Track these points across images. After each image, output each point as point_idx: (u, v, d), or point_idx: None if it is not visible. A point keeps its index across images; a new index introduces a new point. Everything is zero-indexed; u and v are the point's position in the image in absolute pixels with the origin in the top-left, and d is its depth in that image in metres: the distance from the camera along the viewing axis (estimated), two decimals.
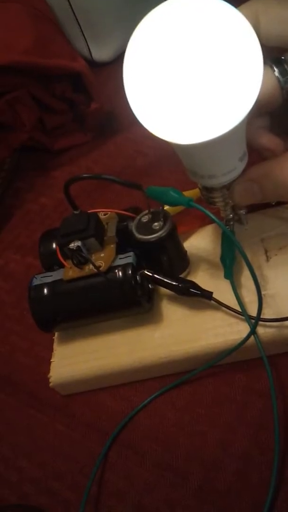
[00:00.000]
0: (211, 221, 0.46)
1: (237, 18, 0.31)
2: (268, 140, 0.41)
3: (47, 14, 0.76)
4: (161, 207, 0.43)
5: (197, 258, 0.46)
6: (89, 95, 0.69)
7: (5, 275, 0.59)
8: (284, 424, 0.37)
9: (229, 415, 0.39)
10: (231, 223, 0.44)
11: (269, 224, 0.45)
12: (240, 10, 0.36)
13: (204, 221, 0.48)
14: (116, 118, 0.71)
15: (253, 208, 0.45)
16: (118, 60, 0.81)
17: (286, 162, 0.37)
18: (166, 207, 0.44)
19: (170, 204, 0.40)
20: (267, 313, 0.40)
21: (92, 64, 0.82)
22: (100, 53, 0.84)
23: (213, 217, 0.37)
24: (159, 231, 0.41)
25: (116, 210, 0.45)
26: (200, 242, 0.47)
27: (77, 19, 0.82)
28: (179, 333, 0.42)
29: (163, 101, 0.32)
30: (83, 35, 0.83)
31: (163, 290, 0.44)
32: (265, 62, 0.35)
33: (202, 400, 0.41)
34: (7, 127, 0.68)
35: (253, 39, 0.31)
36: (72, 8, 0.81)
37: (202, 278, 0.44)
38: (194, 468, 0.38)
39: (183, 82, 0.31)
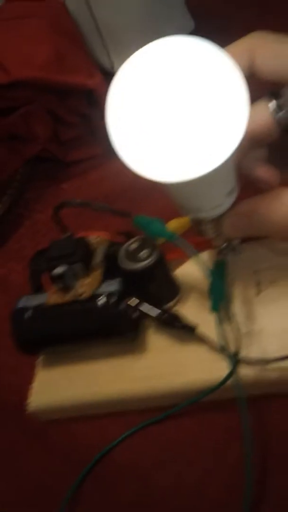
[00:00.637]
0: (207, 248, 0.43)
1: (222, 59, 0.29)
2: (263, 172, 0.38)
3: (70, 28, 0.74)
4: None
5: (189, 286, 0.43)
6: (101, 109, 0.66)
7: (5, 286, 0.57)
8: (259, 469, 0.34)
9: (207, 456, 0.36)
10: (225, 253, 0.41)
11: (263, 256, 0.42)
12: (236, 45, 0.35)
13: (199, 247, 0.45)
14: None
15: (248, 238, 0.42)
16: None
17: (274, 199, 0.34)
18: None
19: (154, 236, 0.37)
20: (252, 351, 0.37)
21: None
22: None
23: (192, 252, 0.34)
24: (145, 260, 0.38)
25: (107, 234, 0.42)
26: (193, 270, 0.43)
27: (101, 34, 0.79)
28: (162, 365, 0.39)
29: (144, 140, 0.30)
30: (106, 49, 0.81)
31: None
32: (261, 96, 0.34)
33: (181, 438, 0.37)
34: (21, 138, 0.66)
35: (238, 81, 0.29)
36: (96, 23, 0.78)
37: (191, 308, 0.41)
38: (168, 509, 0.35)
39: (165, 122, 0.29)
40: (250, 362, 0.36)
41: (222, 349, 0.37)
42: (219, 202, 0.34)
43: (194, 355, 0.38)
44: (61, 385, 0.40)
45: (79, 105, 0.66)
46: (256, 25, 0.41)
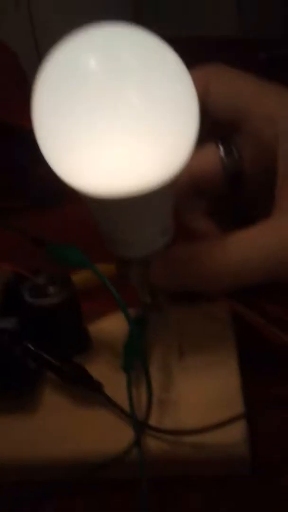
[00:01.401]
0: (133, 304, 0.37)
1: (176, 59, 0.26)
2: (203, 224, 0.34)
3: (17, 75, 0.70)
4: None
5: (103, 343, 0.36)
6: (38, 157, 0.61)
7: None
8: None
9: None
10: (149, 310, 0.35)
11: (190, 318, 0.37)
12: (192, 73, 0.30)
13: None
14: (63, 188, 0.63)
15: (176, 297, 0.36)
16: None
17: (220, 246, 0.29)
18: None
19: (70, 265, 0.31)
20: (164, 422, 0.30)
21: None
22: None
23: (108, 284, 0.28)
24: (53, 296, 0.32)
25: (12, 266, 0.35)
26: (113, 324, 0.37)
27: None
28: (56, 428, 0.31)
29: (73, 143, 0.25)
30: None
31: None
32: (212, 140, 0.32)
33: None
34: None
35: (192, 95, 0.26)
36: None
37: (101, 366, 0.34)
38: None
39: (100, 124, 0.24)
40: (159, 432, 0.29)
41: (129, 415, 0.30)
42: (151, 238, 0.29)
43: (96, 419, 0.31)
44: None
45: (9, 149, 0.61)
46: None
